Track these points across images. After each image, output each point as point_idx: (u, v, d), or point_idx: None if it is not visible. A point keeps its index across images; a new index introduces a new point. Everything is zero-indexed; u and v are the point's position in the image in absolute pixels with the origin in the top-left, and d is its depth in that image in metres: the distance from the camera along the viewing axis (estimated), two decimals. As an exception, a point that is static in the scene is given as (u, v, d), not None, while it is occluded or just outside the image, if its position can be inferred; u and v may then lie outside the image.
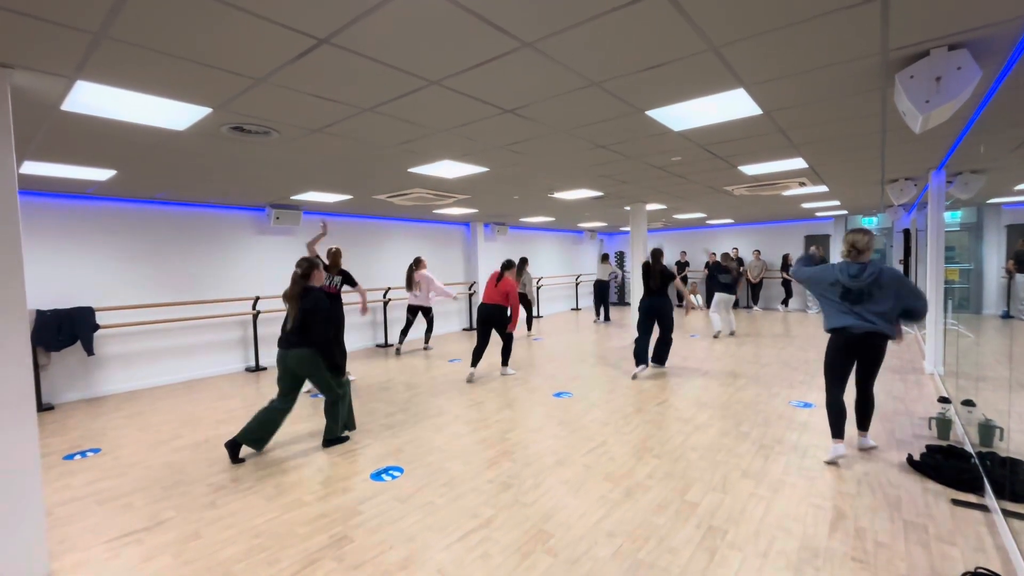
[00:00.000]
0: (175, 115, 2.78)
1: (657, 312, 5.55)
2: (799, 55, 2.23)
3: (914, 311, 3.01)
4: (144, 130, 3.04)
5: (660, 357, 5.86)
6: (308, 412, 4.49)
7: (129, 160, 3.79)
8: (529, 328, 9.20)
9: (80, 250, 5.34)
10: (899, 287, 2.96)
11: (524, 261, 8.45)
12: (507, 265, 5.83)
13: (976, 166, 5.06)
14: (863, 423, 3.33)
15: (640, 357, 5.48)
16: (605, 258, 10.58)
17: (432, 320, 7.64)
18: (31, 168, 3.90)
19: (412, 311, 7.34)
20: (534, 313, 11.78)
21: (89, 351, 5.16)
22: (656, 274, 5.54)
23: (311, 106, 2.72)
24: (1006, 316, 8.76)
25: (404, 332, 7.39)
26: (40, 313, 4.89)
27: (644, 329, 5.60)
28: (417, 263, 7.24)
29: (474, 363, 5.57)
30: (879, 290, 2.99)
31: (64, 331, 4.99)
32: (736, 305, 12.09)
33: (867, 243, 3.08)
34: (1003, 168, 5.14)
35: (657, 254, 5.68)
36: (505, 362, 5.84)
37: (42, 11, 1.70)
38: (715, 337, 8.04)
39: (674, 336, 8.23)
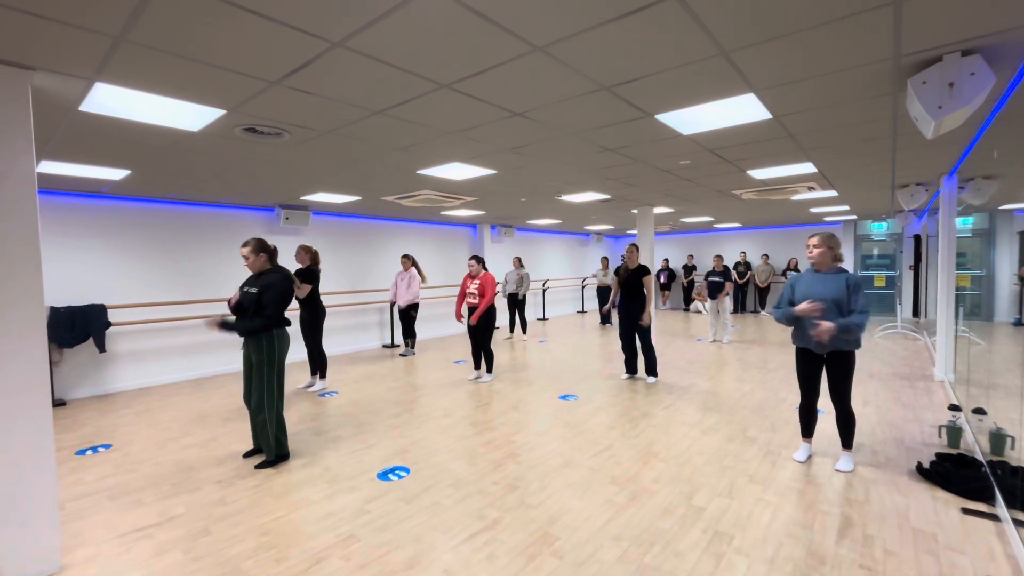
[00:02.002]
0: (189, 116, 2.82)
1: (627, 317, 5.29)
2: (810, 60, 2.23)
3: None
4: (159, 131, 3.09)
5: (648, 369, 5.39)
6: (314, 411, 4.53)
7: (143, 160, 3.85)
8: (521, 331, 9.13)
9: (93, 248, 5.42)
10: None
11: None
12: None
13: (989, 172, 5.01)
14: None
15: (625, 364, 5.57)
16: (605, 263, 10.43)
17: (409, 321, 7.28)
18: (48, 167, 3.96)
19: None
20: (539, 316, 11.80)
21: (101, 348, 5.22)
22: (623, 272, 5.24)
23: (323, 108, 2.75)
24: (1018, 323, 8.66)
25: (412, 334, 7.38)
26: (54, 310, 4.96)
27: (620, 332, 5.43)
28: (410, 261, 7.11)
29: (476, 365, 5.72)
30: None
31: (77, 328, 5.06)
32: (736, 309, 12.07)
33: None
34: (1016, 174, 5.09)
35: (630, 249, 5.31)
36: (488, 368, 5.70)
37: (65, 15, 1.73)
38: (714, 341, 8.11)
39: (681, 340, 8.25)
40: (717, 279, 7.90)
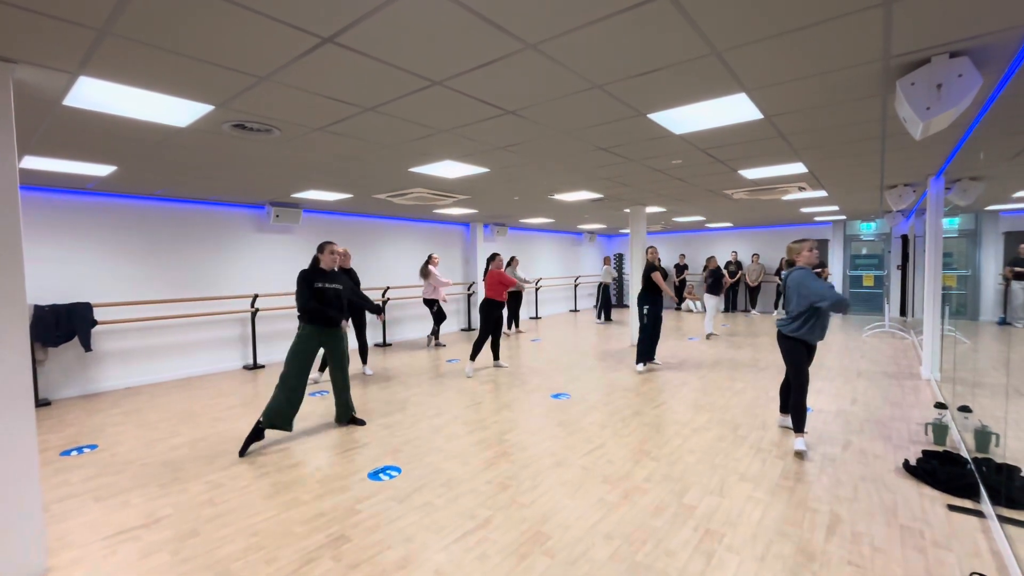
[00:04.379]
0: (177, 112, 2.78)
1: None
2: (801, 61, 2.24)
3: (823, 308, 3.28)
4: (145, 126, 3.04)
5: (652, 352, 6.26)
6: (305, 410, 4.49)
7: (130, 156, 3.78)
8: (514, 325, 9.53)
9: (79, 245, 5.33)
10: (798, 288, 3.35)
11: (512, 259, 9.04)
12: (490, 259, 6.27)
13: (975, 173, 5.09)
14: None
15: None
16: (608, 261, 10.84)
17: (440, 315, 7.90)
18: (31, 163, 3.88)
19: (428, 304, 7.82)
20: (533, 314, 11.81)
21: (87, 347, 5.14)
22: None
23: (313, 105, 2.72)
24: (1003, 322, 8.81)
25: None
26: (38, 308, 4.87)
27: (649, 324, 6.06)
28: (431, 260, 7.66)
29: (472, 357, 5.89)
30: (787, 291, 3.51)
31: (62, 327, 4.97)
32: (728, 308, 12.22)
33: (795, 250, 3.58)
34: (1002, 175, 5.17)
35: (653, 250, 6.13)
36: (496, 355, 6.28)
37: (48, 7, 1.69)
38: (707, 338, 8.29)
39: (673, 339, 8.30)
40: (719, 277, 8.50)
